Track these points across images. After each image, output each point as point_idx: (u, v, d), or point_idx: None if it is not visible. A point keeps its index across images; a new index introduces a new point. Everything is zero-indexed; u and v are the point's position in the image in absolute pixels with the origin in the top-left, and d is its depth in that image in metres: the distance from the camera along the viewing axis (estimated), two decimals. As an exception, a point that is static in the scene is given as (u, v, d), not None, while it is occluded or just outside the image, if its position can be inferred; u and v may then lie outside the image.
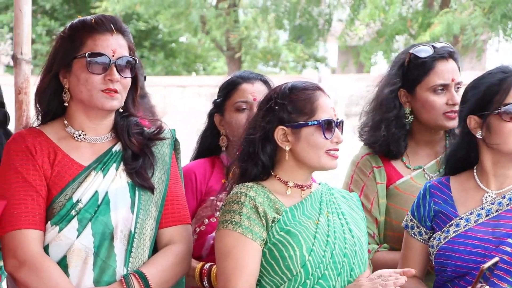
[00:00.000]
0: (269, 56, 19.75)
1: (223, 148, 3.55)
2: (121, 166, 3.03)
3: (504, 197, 3.10)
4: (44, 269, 2.88)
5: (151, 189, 3.03)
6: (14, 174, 2.94)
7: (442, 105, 3.53)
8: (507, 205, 3.08)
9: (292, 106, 2.97)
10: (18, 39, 3.55)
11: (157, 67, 19.70)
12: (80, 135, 3.03)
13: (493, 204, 3.10)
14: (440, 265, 3.10)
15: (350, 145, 3.84)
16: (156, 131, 3.12)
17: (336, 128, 2.97)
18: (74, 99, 3.02)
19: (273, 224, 2.91)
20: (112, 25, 3.00)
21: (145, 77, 4.55)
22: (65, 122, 3.04)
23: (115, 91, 2.98)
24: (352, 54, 15.57)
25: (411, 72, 3.60)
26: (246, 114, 3.48)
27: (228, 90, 3.56)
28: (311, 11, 16.76)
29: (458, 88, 3.58)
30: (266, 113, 2.99)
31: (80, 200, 2.96)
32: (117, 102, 3.00)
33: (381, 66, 17.05)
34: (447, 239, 3.09)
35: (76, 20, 3.05)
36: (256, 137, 2.98)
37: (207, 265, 3.33)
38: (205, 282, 3.32)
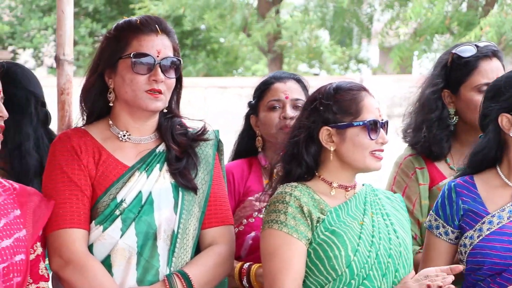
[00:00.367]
0: (311, 54, 19.70)
1: (260, 149, 3.57)
2: (165, 167, 3.04)
3: None
4: (89, 268, 2.90)
5: (194, 189, 3.04)
6: (59, 174, 2.97)
7: None
8: None
9: (337, 106, 2.96)
10: (61, 40, 3.58)
11: (198, 65, 19.79)
12: (124, 136, 3.05)
13: None
14: (475, 264, 3.08)
15: (393, 146, 3.81)
16: (200, 132, 3.13)
17: (381, 129, 2.96)
18: (119, 100, 3.03)
19: (317, 224, 2.90)
20: (157, 26, 3.01)
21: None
22: (110, 122, 3.06)
23: (159, 92, 2.99)
24: (392, 54, 15.46)
25: (454, 72, 3.57)
26: (278, 112, 3.50)
27: (261, 90, 3.58)
28: (356, 12, 16.69)
29: None
30: (311, 114, 2.98)
31: (124, 200, 2.97)
32: (161, 103, 3.01)
33: (423, 66, 16.93)
34: (481, 237, 3.07)
35: (121, 21, 3.07)
36: (300, 138, 2.97)
37: (246, 265, 3.34)
38: (245, 282, 3.33)
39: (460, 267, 2.89)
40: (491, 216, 3.08)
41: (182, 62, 3.09)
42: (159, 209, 2.99)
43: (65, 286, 2.95)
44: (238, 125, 3.77)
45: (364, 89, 3.01)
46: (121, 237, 2.95)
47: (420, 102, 3.62)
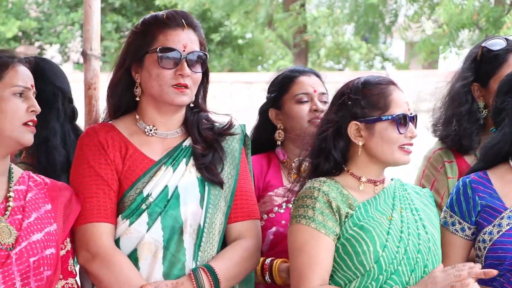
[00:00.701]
0: (337, 51, 19.65)
1: (279, 143, 3.55)
2: (191, 161, 3.04)
3: None
4: (115, 262, 2.90)
5: (220, 184, 3.04)
6: (87, 168, 2.98)
7: None
8: None
9: (365, 101, 2.95)
10: (88, 35, 3.60)
11: (223, 60, 19.81)
12: (151, 130, 3.05)
13: None
14: (495, 259, 3.06)
15: (421, 141, 3.80)
16: (227, 126, 3.12)
17: (410, 123, 2.95)
18: (146, 94, 3.04)
19: (346, 219, 2.89)
20: (183, 20, 3.01)
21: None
22: (137, 117, 3.06)
23: (186, 86, 2.99)
24: (417, 49, 15.38)
25: (484, 66, 3.57)
26: (307, 106, 3.49)
27: (284, 84, 3.56)
28: (381, 10, 16.61)
29: None
30: (339, 108, 2.98)
31: (150, 194, 2.98)
32: (187, 97, 3.02)
33: (449, 62, 16.81)
34: (501, 232, 3.05)
35: (148, 16, 3.08)
36: (329, 133, 2.96)
37: (268, 260, 3.32)
38: (267, 277, 3.32)
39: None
40: (510, 211, 3.07)
41: (208, 57, 3.09)
42: (185, 203, 2.99)
43: (92, 279, 2.97)
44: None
45: (393, 83, 3.00)
46: (147, 231, 2.95)
47: (450, 95, 3.62)
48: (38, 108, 2.81)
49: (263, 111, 3.61)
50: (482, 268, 2.99)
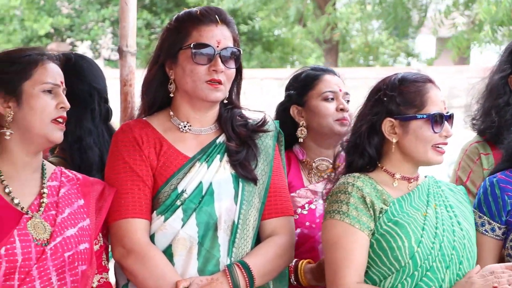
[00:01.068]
0: (367, 49, 19.57)
1: (301, 140, 3.51)
2: (225, 158, 3.04)
3: None
4: (150, 257, 2.92)
5: (254, 180, 3.04)
6: (122, 164, 2.99)
7: None
8: None
9: (401, 98, 2.93)
10: (124, 32, 3.61)
11: (253, 60, 19.79)
12: (185, 126, 3.06)
13: None
14: None
15: (457, 137, 3.78)
16: (260, 123, 3.12)
17: (445, 122, 2.93)
18: (180, 90, 3.05)
19: (380, 215, 2.88)
20: (217, 16, 3.02)
21: None
22: (171, 113, 3.07)
23: (219, 82, 2.99)
24: (450, 45, 15.24)
25: None
26: (333, 104, 3.47)
27: (309, 81, 3.53)
28: (407, 6, 16.50)
29: None
30: (374, 105, 2.96)
31: (185, 190, 2.98)
32: (221, 93, 3.02)
33: (482, 57, 16.65)
34: None
35: (182, 12, 3.09)
36: (363, 129, 2.95)
37: (293, 261, 3.28)
38: (292, 279, 3.29)
39: None
40: None
41: (242, 53, 3.09)
42: (220, 199, 2.99)
43: (127, 275, 2.98)
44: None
45: (430, 81, 2.97)
46: (182, 227, 2.96)
47: (488, 88, 3.62)
48: (67, 105, 2.82)
49: (284, 109, 3.57)
50: None
